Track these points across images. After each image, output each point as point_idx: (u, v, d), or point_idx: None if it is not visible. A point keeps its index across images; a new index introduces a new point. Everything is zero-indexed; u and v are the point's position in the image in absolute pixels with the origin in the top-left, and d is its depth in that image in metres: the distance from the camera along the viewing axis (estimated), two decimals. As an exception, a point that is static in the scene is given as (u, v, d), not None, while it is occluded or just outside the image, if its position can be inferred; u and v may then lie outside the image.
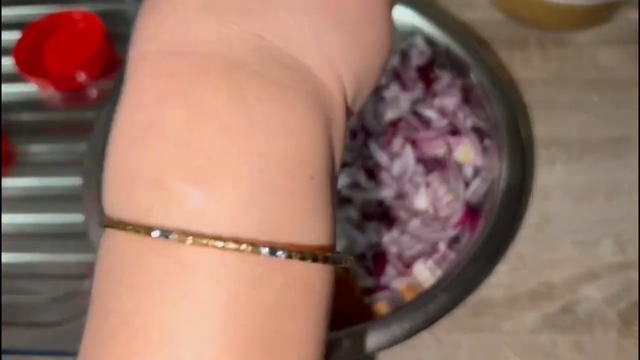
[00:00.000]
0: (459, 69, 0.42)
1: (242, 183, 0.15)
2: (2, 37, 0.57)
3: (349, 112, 0.19)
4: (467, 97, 0.42)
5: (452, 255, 0.39)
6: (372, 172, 0.41)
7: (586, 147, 0.46)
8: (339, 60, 0.17)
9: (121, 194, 0.17)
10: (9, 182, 0.49)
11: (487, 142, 0.40)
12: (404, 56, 0.42)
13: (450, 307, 0.33)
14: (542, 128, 0.47)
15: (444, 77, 0.43)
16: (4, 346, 0.42)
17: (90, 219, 0.39)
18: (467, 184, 0.40)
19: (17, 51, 0.53)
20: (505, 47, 0.52)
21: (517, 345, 0.39)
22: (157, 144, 0.16)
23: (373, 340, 0.32)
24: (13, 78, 0.53)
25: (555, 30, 0.52)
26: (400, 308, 0.34)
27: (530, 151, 0.45)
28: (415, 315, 0.33)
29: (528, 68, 0.50)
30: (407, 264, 0.40)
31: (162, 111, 0.16)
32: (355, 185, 0.41)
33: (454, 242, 0.40)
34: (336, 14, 0.17)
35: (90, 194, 0.39)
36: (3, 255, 0.45)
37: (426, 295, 0.34)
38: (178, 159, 0.16)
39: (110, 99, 0.42)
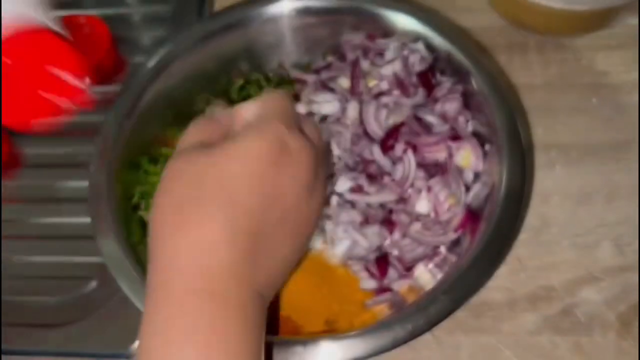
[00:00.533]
0: (459, 75, 0.43)
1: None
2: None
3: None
4: (468, 103, 0.43)
5: (452, 258, 0.39)
6: (374, 177, 0.41)
7: (586, 151, 0.47)
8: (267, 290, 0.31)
9: None
10: (16, 184, 0.50)
11: (487, 146, 0.41)
12: (406, 62, 0.43)
13: (452, 309, 0.34)
14: (541, 132, 0.48)
15: (445, 83, 0.43)
16: (10, 346, 0.43)
17: (96, 222, 0.39)
18: (467, 188, 0.41)
19: (23, 55, 0.54)
20: (505, 52, 0.52)
21: (517, 347, 0.40)
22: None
23: (376, 342, 0.33)
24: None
25: (555, 35, 0.52)
26: (402, 310, 0.35)
27: (530, 155, 0.46)
28: (417, 317, 0.33)
29: (528, 73, 0.51)
30: (409, 267, 0.40)
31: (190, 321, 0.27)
32: (357, 189, 0.41)
33: (454, 245, 0.40)
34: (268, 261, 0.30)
35: (96, 197, 0.40)
36: (11, 257, 0.46)
37: (428, 298, 0.34)
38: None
39: (116, 102, 0.43)
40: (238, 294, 0.28)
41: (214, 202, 0.28)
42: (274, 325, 0.39)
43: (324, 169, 0.33)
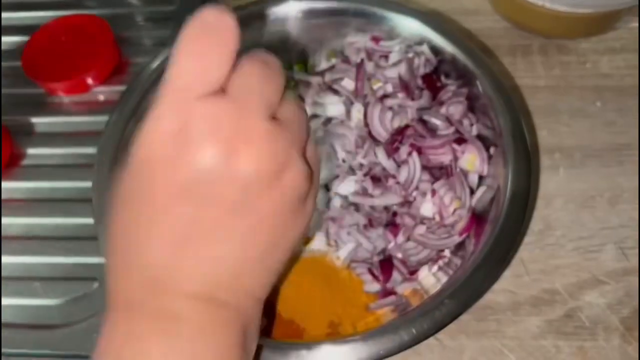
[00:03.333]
0: (464, 77, 0.43)
1: None
2: (11, 41, 0.57)
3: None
4: (473, 105, 0.43)
5: (457, 261, 0.39)
6: (379, 179, 0.41)
7: (589, 154, 0.47)
8: (257, 287, 0.27)
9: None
10: (17, 185, 0.49)
11: (492, 149, 0.41)
12: (411, 65, 0.43)
13: (457, 313, 0.34)
14: (545, 134, 0.48)
15: (450, 86, 0.43)
16: (11, 348, 0.42)
17: (99, 222, 0.39)
18: (472, 192, 0.41)
19: (25, 55, 0.53)
20: (509, 54, 0.52)
21: (520, 351, 0.40)
22: None
23: (381, 346, 0.33)
24: (21, 81, 0.54)
25: (559, 37, 0.52)
26: (406, 314, 0.35)
27: (535, 158, 0.46)
28: (422, 321, 0.33)
29: (531, 75, 0.51)
30: (413, 270, 0.40)
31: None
32: (362, 192, 0.41)
33: (458, 248, 0.40)
34: (253, 260, 0.26)
35: (100, 198, 0.40)
36: (12, 257, 0.46)
37: (433, 302, 0.34)
38: None
39: (120, 103, 0.43)
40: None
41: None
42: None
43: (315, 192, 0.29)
